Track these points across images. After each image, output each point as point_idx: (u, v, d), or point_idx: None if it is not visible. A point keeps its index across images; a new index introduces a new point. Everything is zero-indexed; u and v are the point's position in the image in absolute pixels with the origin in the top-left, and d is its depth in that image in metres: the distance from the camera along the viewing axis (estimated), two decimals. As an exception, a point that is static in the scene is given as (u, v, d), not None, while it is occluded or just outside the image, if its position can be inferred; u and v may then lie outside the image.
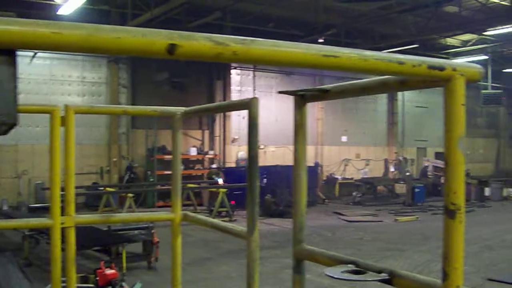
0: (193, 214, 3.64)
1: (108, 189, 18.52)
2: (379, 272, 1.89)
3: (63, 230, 3.32)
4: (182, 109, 3.47)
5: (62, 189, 3.35)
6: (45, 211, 17.31)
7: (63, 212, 3.34)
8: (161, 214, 4.16)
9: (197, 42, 1.33)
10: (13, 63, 1.25)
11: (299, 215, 2.27)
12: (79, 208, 15.06)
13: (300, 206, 2.27)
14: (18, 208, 19.11)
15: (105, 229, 11.40)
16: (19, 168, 20.03)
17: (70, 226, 3.38)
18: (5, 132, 1.59)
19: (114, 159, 21.42)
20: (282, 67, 25.56)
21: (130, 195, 17.10)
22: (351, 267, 1.98)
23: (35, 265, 11.02)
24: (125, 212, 15.50)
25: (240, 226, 2.88)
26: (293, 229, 2.28)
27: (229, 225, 3.07)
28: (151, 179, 21.24)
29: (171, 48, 1.29)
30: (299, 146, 2.28)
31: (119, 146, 21.76)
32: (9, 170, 19.96)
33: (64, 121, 3.29)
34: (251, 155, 2.48)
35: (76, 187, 15.45)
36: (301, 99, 2.26)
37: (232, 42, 1.37)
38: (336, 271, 1.96)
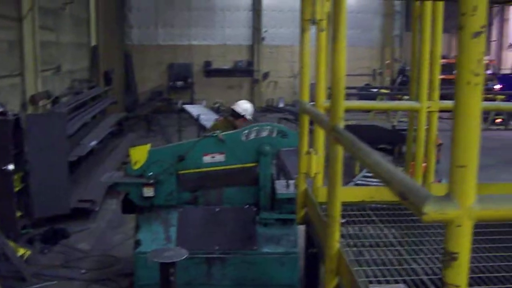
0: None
1: (382, 90, 18.89)
2: None
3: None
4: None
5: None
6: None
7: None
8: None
9: None
10: None
11: None
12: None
13: None
14: (293, 106, 20.60)
15: (389, 128, 11.88)
16: (294, 68, 21.54)
17: (435, 111, 3.78)
18: None
19: (387, 62, 21.68)
20: None
21: (406, 97, 17.21)
22: None
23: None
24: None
25: None
26: None
27: None
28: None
29: None
30: None
31: (392, 49, 21.88)
32: (286, 70, 21.64)
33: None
34: None
35: (349, 87, 16.23)
36: None
37: None
38: None
